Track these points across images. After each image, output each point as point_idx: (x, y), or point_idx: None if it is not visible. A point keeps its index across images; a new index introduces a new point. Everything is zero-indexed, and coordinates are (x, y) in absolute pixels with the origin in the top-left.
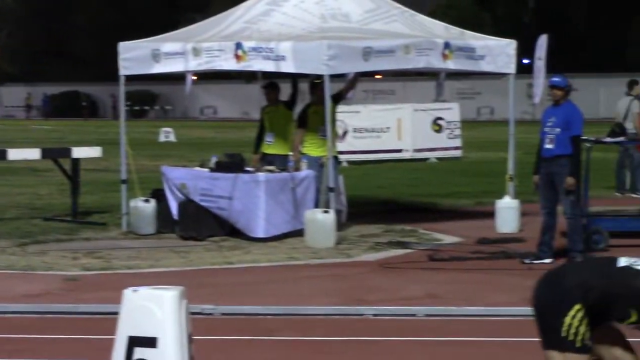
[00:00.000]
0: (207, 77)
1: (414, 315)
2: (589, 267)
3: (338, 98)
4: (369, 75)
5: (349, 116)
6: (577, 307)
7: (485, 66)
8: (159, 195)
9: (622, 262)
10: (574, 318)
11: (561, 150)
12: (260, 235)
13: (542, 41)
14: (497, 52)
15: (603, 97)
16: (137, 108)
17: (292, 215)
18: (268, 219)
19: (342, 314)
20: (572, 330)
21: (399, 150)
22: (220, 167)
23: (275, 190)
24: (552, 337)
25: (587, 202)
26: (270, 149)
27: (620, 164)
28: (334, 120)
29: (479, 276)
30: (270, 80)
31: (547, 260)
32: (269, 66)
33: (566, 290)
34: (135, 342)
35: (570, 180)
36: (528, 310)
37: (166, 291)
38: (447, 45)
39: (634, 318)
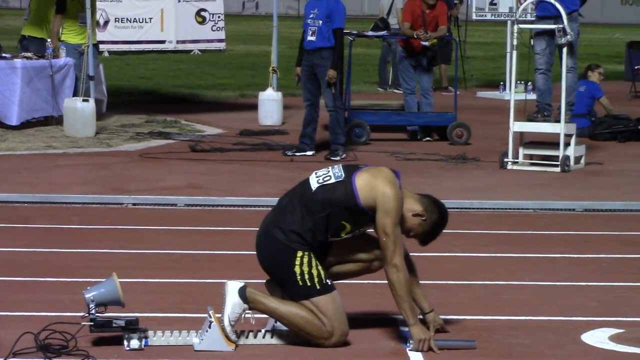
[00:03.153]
0: None
1: (174, 205)
2: (288, 209)
3: None
4: None
5: (110, 5)
6: (299, 254)
7: None
8: None
9: (314, 184)
10: (302, 265)
11: (323, 42)
12: (14, 122)
13: None
14: None
15: None
16: None
17: (50, 103)
18: (23, 106)
19: (101, 202)
20: (307, 277)
21: (162, 42)
22: None
23: (32, 77)
24: (293, 290)
25: (350, 95)
26: (27, 30)
27: (382, 60)
28: (94, 8)
29: (240, 167)
30: None
31: (309, 153)
32: None
33: (281, 244)
34: None
35: (331, 73)
36: None
37: None
38: None
39: (348, 228)
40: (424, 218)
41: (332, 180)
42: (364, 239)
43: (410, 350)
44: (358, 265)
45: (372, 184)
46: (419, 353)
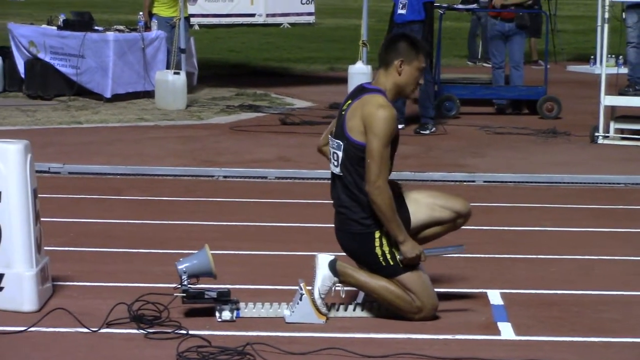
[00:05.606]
0: None
1: (264, 177)
2: (345, 202)
3: None
4: None
5: None
6: (377, 234)
7: None
8: (5, 53)
9: (335, 169)
10: (382, 246)
11: (414, 15)
12: (108, 95)
13: None
14: None
15: None
16: None
17: (142, 76)
18: (116, 79)
19: (192, 175)
20: (389, 257)
21: (252, 15)
22: (68, 26)
23: (125, 50)
24: (379, 271)
25: (440, 69)
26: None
27: (472, 33)
28: None
29: None
30: None
31: (399, 126)
32: None
33: (357, 235)
34: None
35: None
36: None
37: (10, 144)
38: None
39: None
40: (402, 60)
41: (342, 154)
42: (440, 198)
43: (400, 260)
44: (442, 227)
45: (360, 119)
46: (509, 324)
